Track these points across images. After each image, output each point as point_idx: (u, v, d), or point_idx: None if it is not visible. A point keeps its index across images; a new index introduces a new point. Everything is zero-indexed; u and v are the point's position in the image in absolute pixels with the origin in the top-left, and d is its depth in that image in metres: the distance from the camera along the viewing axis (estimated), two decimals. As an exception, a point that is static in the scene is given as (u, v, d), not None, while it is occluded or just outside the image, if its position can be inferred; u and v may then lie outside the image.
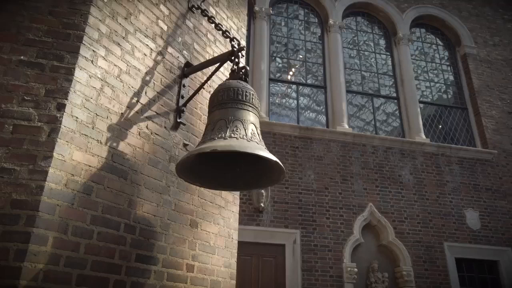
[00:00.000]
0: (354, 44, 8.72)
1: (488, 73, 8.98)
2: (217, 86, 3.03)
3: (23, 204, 1.70)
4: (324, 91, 8.00)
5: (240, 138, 2.04)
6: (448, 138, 8.29)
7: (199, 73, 2.89)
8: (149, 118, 2.39)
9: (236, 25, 3.54)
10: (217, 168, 2.32)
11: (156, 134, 2.41)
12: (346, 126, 7.54)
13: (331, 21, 8.38)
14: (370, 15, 9.06)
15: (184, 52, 2.81)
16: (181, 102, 2.64)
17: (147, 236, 2.19)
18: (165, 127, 2.49)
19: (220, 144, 1.97)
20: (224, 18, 3.38)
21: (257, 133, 2.14)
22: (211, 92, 2.96)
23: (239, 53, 2.43)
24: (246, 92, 2.22)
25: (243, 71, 2.35)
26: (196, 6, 2.96)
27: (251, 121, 2.15)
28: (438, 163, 7.68)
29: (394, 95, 8.44)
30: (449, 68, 9.20)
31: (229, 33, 2.60)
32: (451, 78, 9.09)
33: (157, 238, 2.25)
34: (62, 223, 1.77)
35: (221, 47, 3.24)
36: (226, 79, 2.36)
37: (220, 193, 2.86)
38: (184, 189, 2.53)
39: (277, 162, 2.01)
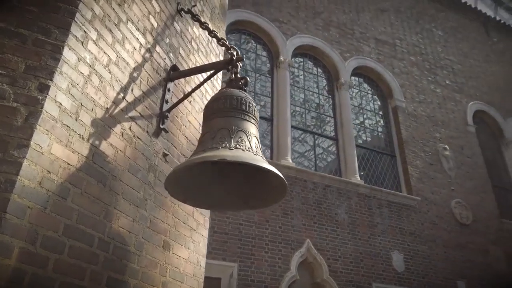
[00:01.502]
0: (300, 83, 9.01)
1: (414, 126, 9.81)
2: (198, 96, 2.83)
3: (-13, 201, 1.31)
4: (270, 124, 8.04)
5: (246, 150, 1.85)
6: (378, 181, 8.75)
7: (182, 80, 2.65)
8: (133, 118, 2.08)
9: (216, 39, 3.38)
10: (204, 184, 2.08)
11: (138, 138, 2.11)
12: (290, 161, 7.59)
13: (281, 58, 8.60)
14: (317, 58, 9.50)
15: (171, 54, 2.57)
16: (165, 107, 2.37)
17: (121, 256, 1.84)
18: (147, 132, 2.20)
19: (227, 154, 1.76)
20: (206, 30, 3.21)
21: (260, 147, 1.97)
22: (192, 102, 2.75)
23: (238, 63, 2.27)
24: (250, 103, 2.05)
25: (242, 81, 2.19)
26: (186, 9, 2.77)
27: (254, 134, 1.97)
28: (370, 204, 8.02)
29: (334, 135, 8.78)
30: (381, 117, 9.88)
31: (225, 41, 2.44)
32: (383, 126, 9.76)
33: (130, 259, 1.90)
34: (31, 230, 1.40)
35: (203, 57, 3.05)
36: (224, 87, 2.18)
37: (192, 213, 2.58)
38: (160, 205, 2.22)
39: (283, 181, 1.84)
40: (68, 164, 1.61)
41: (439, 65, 11.64)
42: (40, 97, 1.54)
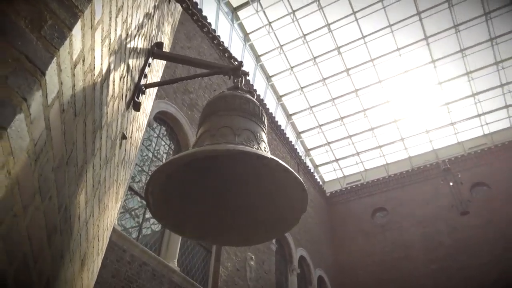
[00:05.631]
0: (152, 145, 8.50)
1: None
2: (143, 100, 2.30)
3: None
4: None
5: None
6: (190, 272, 8.31)
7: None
8: (129, 69, 1.49)
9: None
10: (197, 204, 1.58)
11: (122, 97, 1.48)
12: (116, 222, 6.60)
13: (143, 114, 8.09)
14: (174, 131, 9.28)
15: (156, 30, 2.07)
16: (143, 81, 1.81)
17: (60, 250, 1.09)
18: (126, 96, 1.58)
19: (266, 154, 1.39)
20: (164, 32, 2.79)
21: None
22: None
23: (243, 76, 2.01)
24: (265, 117, 1.78)
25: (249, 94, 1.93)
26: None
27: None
28: (179, 296, 7.41)
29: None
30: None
31: (223, 44, 2.13)
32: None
33: (64, 266, 1.15)
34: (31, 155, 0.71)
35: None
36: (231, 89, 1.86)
37: (105, 230, 1.84)
38: (99, 201, 1.51)
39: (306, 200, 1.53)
40: (86, 78, 0.96)
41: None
42: (111, -49, 0.95)
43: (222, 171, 1.58)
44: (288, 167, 1.35)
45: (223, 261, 9.16)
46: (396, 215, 16.99)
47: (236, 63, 2.04)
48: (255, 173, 1.57)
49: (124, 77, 1.43)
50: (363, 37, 15.81)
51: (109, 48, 1.08)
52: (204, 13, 11.63)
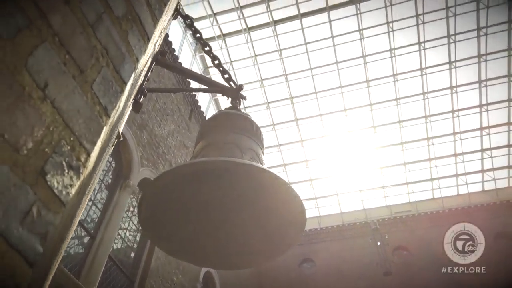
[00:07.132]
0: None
1: (163, 261, 9.65)
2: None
3: None
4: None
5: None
6: (109, 303, 7.69)
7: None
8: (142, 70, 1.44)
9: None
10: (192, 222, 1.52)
11: (131, 94, 1.43)
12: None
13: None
14: (118, 149, 8.88)
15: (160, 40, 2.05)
16: (146, 85, 1.75)
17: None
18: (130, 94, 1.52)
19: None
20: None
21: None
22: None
23: (241, 99, 2.05)
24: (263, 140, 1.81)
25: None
26: (184, 14, 2.38)
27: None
28: (93, 326, 6.78)
29: (92, 231, 7.67)
30: (139, 235, 9.42)
31: (226, 70, 2.16)
32: (138, 245, 9.24)
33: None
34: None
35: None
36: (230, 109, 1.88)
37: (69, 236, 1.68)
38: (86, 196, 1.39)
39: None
40: (149, 56, 0.93)
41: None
42: None
43: (220, 189, 1.54)
44: (296, 192, 1.37)
45: (146, 293, 8.62)
46: (323, 267, 17.26)
47: (235, 86, 2.08)
48: (255, 195, 1.55)
49: (140, 74, 1.39)
50: (316, 92, 16.69)
51: (159, 36, 1.05)
52: (170, 39, 11.66)
